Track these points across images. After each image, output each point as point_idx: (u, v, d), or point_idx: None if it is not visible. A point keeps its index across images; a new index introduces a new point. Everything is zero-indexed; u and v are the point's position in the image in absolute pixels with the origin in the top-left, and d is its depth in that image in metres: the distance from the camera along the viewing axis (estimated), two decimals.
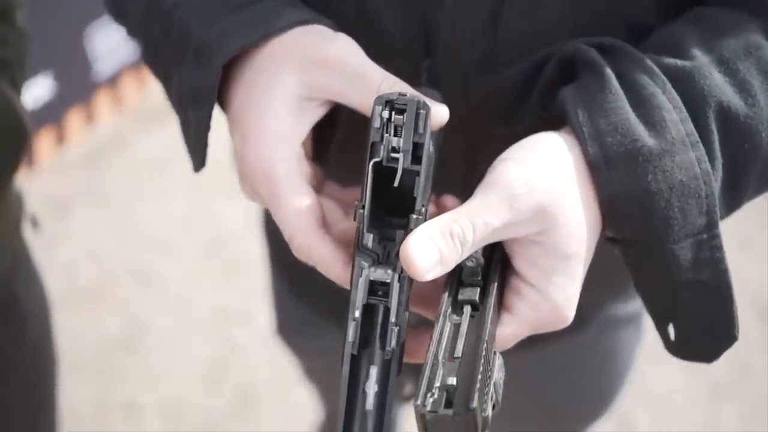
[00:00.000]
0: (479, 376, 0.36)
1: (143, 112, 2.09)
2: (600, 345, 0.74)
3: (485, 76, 0.48)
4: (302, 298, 0.76)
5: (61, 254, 1.74)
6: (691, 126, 0.41)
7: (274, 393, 1.55)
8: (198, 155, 0.48)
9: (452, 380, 0.36)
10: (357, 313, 0.39)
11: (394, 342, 0.39)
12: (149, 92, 2.11)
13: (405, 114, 0.39)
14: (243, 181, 0.46)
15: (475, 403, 0.35)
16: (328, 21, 0.46)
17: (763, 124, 0.43)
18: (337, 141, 0.50)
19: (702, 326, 0.44)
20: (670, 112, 0.41)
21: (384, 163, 0.39)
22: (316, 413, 1.24)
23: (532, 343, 0.66)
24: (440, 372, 0.37)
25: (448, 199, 0.46)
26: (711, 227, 0.42)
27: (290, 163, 0.43)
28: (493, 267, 0.42)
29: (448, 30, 0.48)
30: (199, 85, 0.45)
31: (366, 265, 0.39)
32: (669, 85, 0.42)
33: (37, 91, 1.81)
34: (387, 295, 0.39)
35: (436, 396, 0.36)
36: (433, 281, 0.43)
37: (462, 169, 0.52)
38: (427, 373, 0.37)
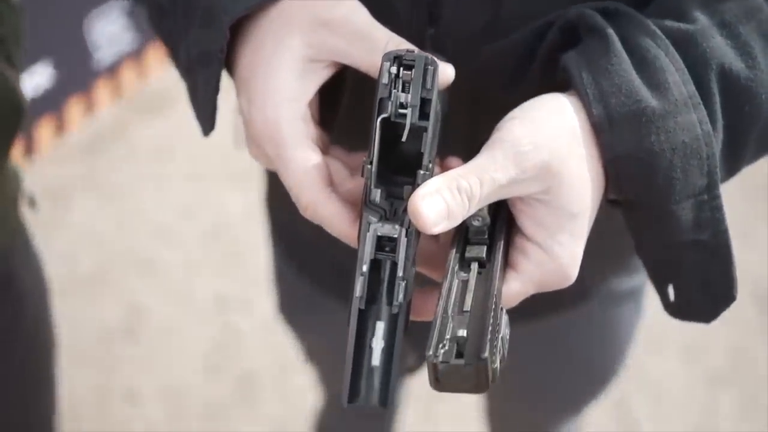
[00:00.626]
0: (489, 328, 0.37)
1: (143, 101, 2.09)
2: (601, 319, 0.74)
3: (488, 43, 0.48)
4: (304, 274, 0.76)
5: (61, 242, 1.74)
6: (693, 88, 0.42)
7: (274, 379, 1.56)
8: (207, 119, 0.48)
9: (462, 332, 0.37)
10: (365, 268, 0.39)
11: (401, 296, 0.39)
12: (149, 81, 2.12)
13: (413, 70, 0.39)
14: (250, 142, 0.46)
15: (486, 353, 0.36)
16: None
17: (763, 86, 0.43)
18: (342, 108, 0.50)
19: (702, 286, 0.45)
20: (673, 74, 0.42)
21: (392, 119, 0.40)
22: (316, 399, 1.25)
23: (534, 315, 0.66)
24: (450, 325, 0.38)
25: (453, 161, 0.47)
26: (712, 188, 0.42)
27: (296, 122, 0.43)
28: (499, 226, 0.43)
29: (450, 3, 0.48)
30: (207, 47, 0.45)
31: (374, 220, 0.40)
32: (672, 48, 0.42)
33: (36, 80, 1.81)
34: (394, 250, 0.40)
35: (447, 347, 0.37)
36: (438, 242, 0.44)
37: (464, 136, 0.52)
38: (437, 325, 0.37)
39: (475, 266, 0.41)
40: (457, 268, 0.41)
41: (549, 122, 0.41)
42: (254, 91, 0.44)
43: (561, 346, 0.76)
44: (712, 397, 1.56)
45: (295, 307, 0.84)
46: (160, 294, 1.68)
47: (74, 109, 1.97)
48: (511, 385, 0.86)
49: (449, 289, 0.40)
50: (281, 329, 1.56)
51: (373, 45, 0.43)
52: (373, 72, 0.43)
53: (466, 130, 0.53)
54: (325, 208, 0.43)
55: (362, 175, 0.40)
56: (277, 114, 0.43)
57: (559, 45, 0.46)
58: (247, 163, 2.14)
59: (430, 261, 0.44)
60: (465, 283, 0.40)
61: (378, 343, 0.39)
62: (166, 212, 1.85)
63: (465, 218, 0.40)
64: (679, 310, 0.47)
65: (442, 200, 0.39)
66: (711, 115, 0.42)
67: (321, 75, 0.45)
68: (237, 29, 0.46)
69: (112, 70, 2.01)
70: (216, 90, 0.46)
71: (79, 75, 1.93)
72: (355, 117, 0.50)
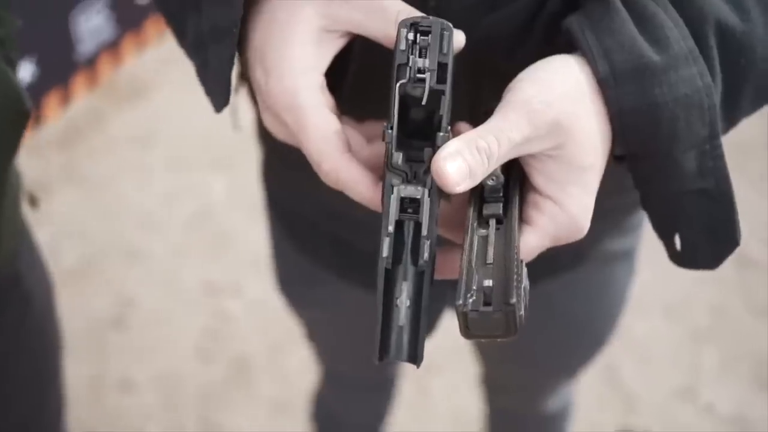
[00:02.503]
0: (514, 276, 0.39)
1: (118, 90, 2.07)
2: (596, 280, 0.77)
3: (489, 13, 0.49)
4: (304, 251, 0.77)
5: (44, 235, 1.72)
6: (692, 42, 0.44)
7: (268, 361, 1.57)
8: (221, 94, 0.48)
9: (488, 282, 0.39)
10: (390, 228, 0.41)
11: (426, 255, 0.41)
12: (124, 70, 2.10)
13: (430, 35, 0.41)
14: (267, 114, 0.47)
15: (513, 299, 0.37)
16: None
17: (757, 39, 0.45)
18: (348, 80, 0.51)
19: (707, 233, 0.47)
20: (672, 30, 0.43)
21: (411, 84, 0.41)
22: (312, 377, 1.27)
23: (531, 280, 0.68)
24: (476, 276, 0.39)
25: (462, 126, 0.48)
26: (713, 137, 0.44)
27: (314, 90, 0.44)
28: (512, 184, 0.45)
29: None
30: (221, 23, 0.46)
31: (397, 182, 0.42)
32: (669, 5, 0.44)
33: (20, 74, 1.79)
34: (417, 211, 0.41)
35: (474, 297, 0.38)
36: (451, 205, 0.46)
37: (466, 105, 0.54)
38: (464, 277, 0.39)
39: (493, 222, 0.43)
40: (476, 225, 0.43)
41: (557, 81, 0.43)
42: (271, 61, 0.45)
43: (558, 309, 0.78)
44: (696, 354, 1.61)
45: (295, 283, 0.85)
46: (148, 283, 1.68)
47: (53, 101, 1.94)
48: (509, 351, 0.88)
49: (471, 245, 0.41)
50: (272, 311, 1.59)
51: (387, 15, 0.44)
52: (387, 42, 0.44)
53: (468, 99, 0.54)
54: (348, 173, 0.44)
55: (383, 140, 0.42)
56: (296, 82, 0.44)
57: (560, 11, 0.47)
58: (228, 148, 2.14)
59: (446, 223, 0.45)
60: (485, 239, 0.42)
61: (404, 302, 0.40)
62: (149, 200, 1.84)
63: (484, 177, 0.42)
64: (686, 258, 0.49)
65: (463, 160, 0.41)
66: (711, 69, 0.44)
67: (335, 45, 0.46)
68: (248, 4, 0.47)
69: (91, 61, 1.99)
70: (231, 64, 0.47)
71: (59, 69, 1.91)
72: (361, 88, 0.51)
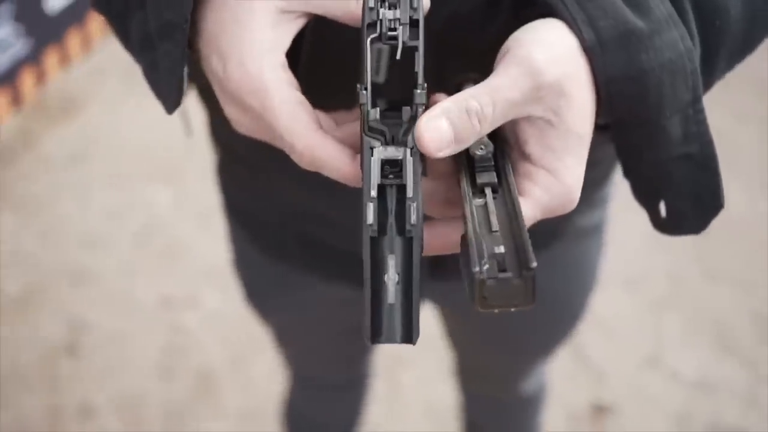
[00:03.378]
0: (529, 241, 0.36)
1: (46, 108, 1.99)
2: (571, 255, 0.76)
3: None
4: (268, 253, 0.75)
5: None
6: (670, 6, 0.43)
7: (232, 372, 1.53)
8: (172, 95, 0.46)
9: (500, 249, 0.37)
10: (373, 193, 0.38)
11: (414, 218, 0.38)
12: (50, 86, 2.02)
13: None
14: (228, 103, 0.45)
15: (534, 263, 0.35)
16: None
17: (731, 1, 0.45)
18: (302, 65, 0.49)
19: (692, 198, 0.46)
20: None
21: (383, 41, 0.39)
22: (279, 384, 1.24)
23: None
24: (484, 244, 0.37)
25: (439, 96, 0.46)
26: (696, 101, 0.44)
27: (278, 71, 0.42)
28: (500, 152, 0.43)
29: None
30: (168, 19, 0.43)
31: (377, 144, 0.39)
32: None
33: None
34: (399, 175, 0.39)
35: (488, 265, 0.36)
36: (437, 178, 0.44)
37: (430, 84, 0.52)
38: (473, 245, 0.37)
39: (489, 191, 0.41)
40: (470, 195, 0.41)
41: (557, 42, 0.41)
42: (228, 46, 0.43)
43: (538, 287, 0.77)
44: (658, 323, 1.63)
45: (264, 289, 0.82)
46: (100, 304, 1.62)
47: None
48: (487, 335, 0.87)
49: (471, 214, 0.39)
50: (232, 320, 1.56)
51: None
52: (349, 19, 0.42)
53: (432, 76, 0.53)
54: (323, 150, 0.42)
55: (358, 103, 0.40)
56: (259, 64, 0.42)
57: None
58: (169, 157, 2.10)
59: (425, 198, 0.43)
60: (484, 207, 0.40)
61: (393, 278, 0.38)
62: (92, 219, 1.78)
63: (475, 140, 0.40)
64: (671, 225, 0.48)
65: (448, 123, 0.39)
66: (689, 32, 0.44)
67: (294, 26, 0.44)
68: None
69: (10, 78, 1.91)
70: (182, 62, 0.44)
71: None
72: (316, 73, 0.49)
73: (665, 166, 0.45)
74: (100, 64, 2.08)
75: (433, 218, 0.43)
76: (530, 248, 0.36)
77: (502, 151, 0.43)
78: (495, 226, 0.38)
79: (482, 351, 0.94)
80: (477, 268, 0.35)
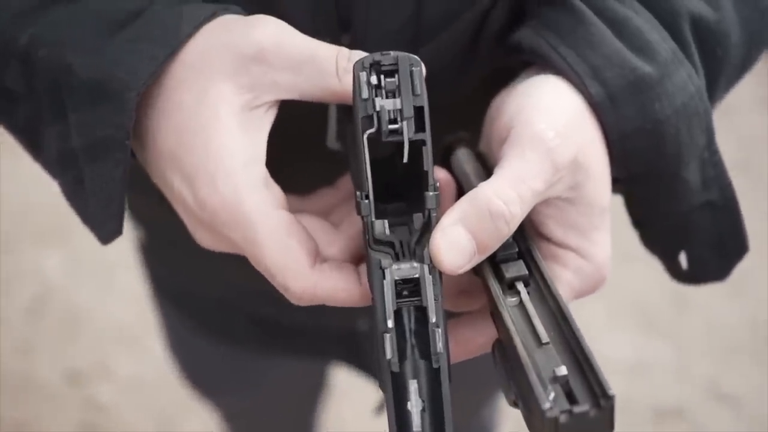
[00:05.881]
0: (593, 357, 0.31)
1: None
2: None
3: (411, 41, 0.42)
4: (216, 336, 0.68)
5: None
6: (673, 43, 0.39)
7: None
8: (109, 222, 0.38)
9: (562, 371, 0.31)
10: (390, 323, 0.33)
11: (440, 345, 0.33)
12: None
13: (398, 74, 0.33)
14: (199, 230, 0.38)
15: (612, 390, 0.30)
16: (233, 7, 0.38)
17: (730, 26, 0.41)
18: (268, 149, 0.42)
19: (715, 246, 0.43)
20: (651, 33, 0.38)
21: (383, 138, 0.33)
22: None
23: None
24: (540, 365, 0.32)
25: (438, 171, 0.41)
26: (710, 143, 0.41)
27: (259, 192, 0.35)
28: (519, 236, 0.37)
29: None
30: (102, 133, 0.36)
31: (386, 262, 0.33)
32: (638, 4, 0.39)
33: None
34: (416, 293, 0.34)
35: (554, 393, 0.30)
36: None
37: None
38: (530, 368, 0.31)
39: (521, 286, 0.35)
40: (500, 294, 0.35)
41: (560, 108, 0.36)
42: (192, 165, 0.35)
43: None
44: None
45: (207, 373, 0.75)
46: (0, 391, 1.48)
47: None
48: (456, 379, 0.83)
49: (512, 322, 0.33)
50: (150, 385, 1.45)
51: (322, 66, 0.36)
52: (329, 97, 0.36)
53: None
54: (324, 287, 0.36)
55: (358, 213, 0.34)
56: (234, 187, 0.35)
57: (505, 28, 0.41)
58: (52, 219, 1.93)
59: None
60: (521, 308, 0.34)
61: (417, 405, 0.33)
62: None
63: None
64: (694, 275, 0.45)
65: (467, 234, 0.33)
66: (693, 67, 0.40)
67: (267, 121, 0.37)
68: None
69: None
70: (122, 184, 0.36)
71: None
72: (281, 158, 0.42)
73: (685, 217, 0.42)
74: None
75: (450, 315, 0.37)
76: (600, 368, 0.31)
77: (520, 232, 0.37)
78: (544, 336, 0.33)
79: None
80: (547, 405, 0.30)
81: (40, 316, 1.60)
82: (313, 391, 0.84)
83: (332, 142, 0.45)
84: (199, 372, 0.76)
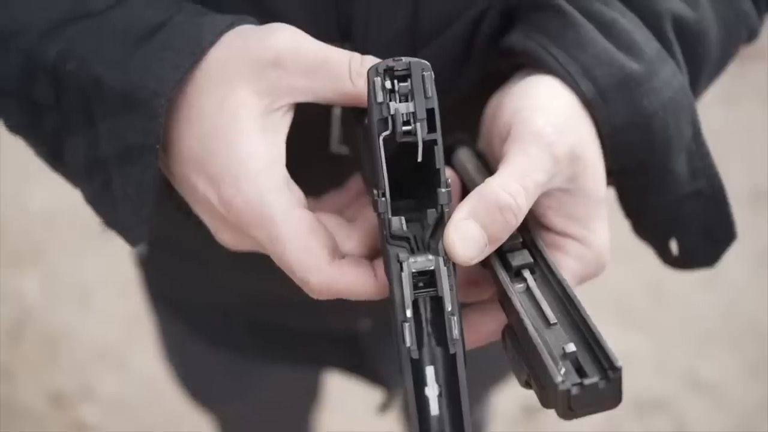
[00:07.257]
0: (600, 333, 0.33)
1: None
2: None
3: (410, 47, 0.44)
4: (217, 343, 0.69)
5: None
6: (657, 43, 0.42)
7: None
8: (137, 225, 0.40)
9: (570, 347, 0.33)
10: (408, 313, 0.35)
11: (456, 332, 0.35)
12: None
13: (410, 79, 0.36)
14: (222, 230, 0.39)
15: (619, 362, 0.32)
16: (249, 18, 0.40)
17: (709, 25, 0.44)
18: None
19: (704, 233, 0.46)
20: (636, 33, 0.41)
21: (398, 139, 0.35)
22: None
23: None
24: (550, 343, 0.34)
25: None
26: (697, 135, 0.43)
27: (281, 192, 0.37)
28: (522, 226, 0.39)
29: (361, 6, 0.43)
30: (134, 138, 0.37)
31: (404, 255, 0.36)
32: (622, 7, 0.42)
33: None
34: (431, 284, 0.36)
35: (565, 369, 0.33)
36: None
37: None
38: (542, 347, 0.33)
39: (528, 273, 0.38)
40: (508, 281, 0.37)
41: (556, 105, 0.39)
42: (217, 168, 0.37)
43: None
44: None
45: (205, 381, 0.76)
46: None
47: None
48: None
49: (521, 306, 0.36)
50: (135, 404, 1.44)
51: (336, 70, 0.38)
52: (344, 100, 0.38)
53: None
54: (342, 281, 0.37)
55: (375, 210, 0.36)
56: (257, 188, 0.36)
57: (497, 33, 0.44)
58: (28, 238, 1.90)
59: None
60: (528, 293, 0.37)
61: (434, 391, 0.35)
62: None
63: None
64: (683, 261, 0.47)
65: (478, 227, 0.35)
66: (677, 64, 0.42)
67: (285, 124, 0.39)
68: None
69: None
70: (152, 187, 0.38)
71: None
72: (287, 163, 0.44)
73: (675, 206, 0.44)
74: None
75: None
76: (606, 343, 0.33)
77: (523, 224, 0.39)
78: (551, 317, 0.35)
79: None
80: (559, 378, 0.32)
81: (19, 340, 1.58)
82: (308, 398, 0.85)
83: (336, 146, 0.47)
84: (197, 379, 0.77)
